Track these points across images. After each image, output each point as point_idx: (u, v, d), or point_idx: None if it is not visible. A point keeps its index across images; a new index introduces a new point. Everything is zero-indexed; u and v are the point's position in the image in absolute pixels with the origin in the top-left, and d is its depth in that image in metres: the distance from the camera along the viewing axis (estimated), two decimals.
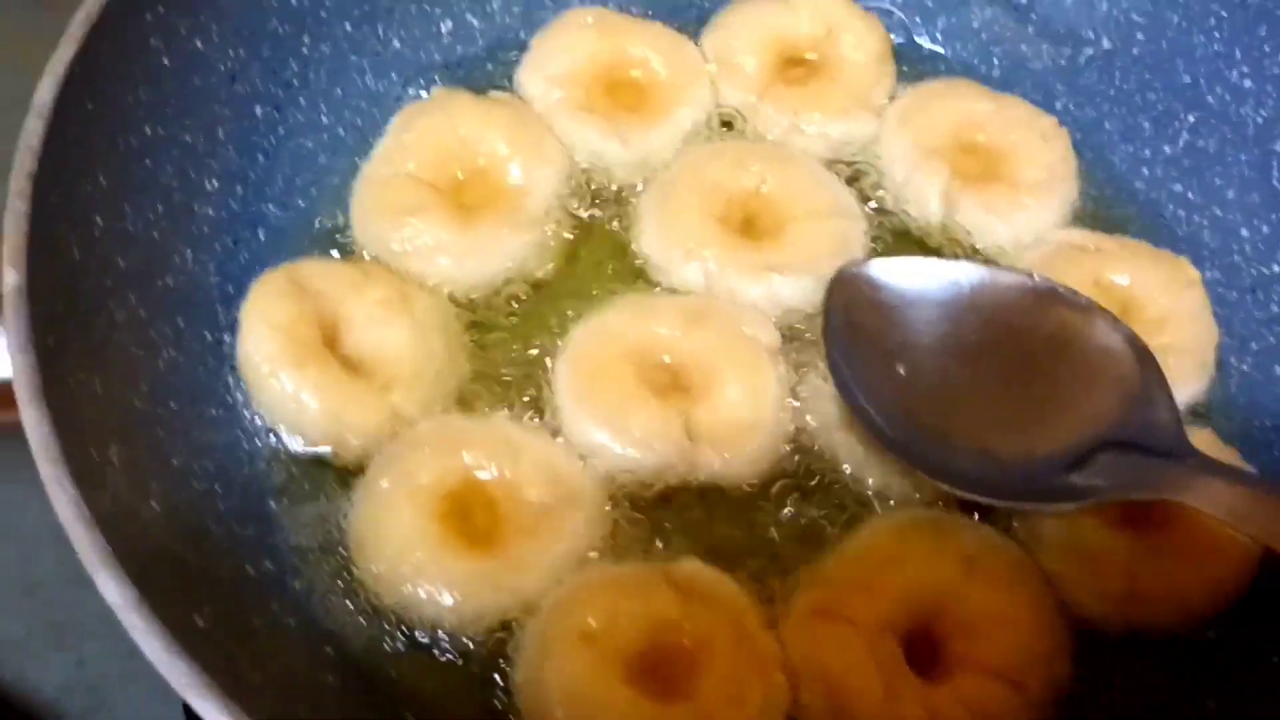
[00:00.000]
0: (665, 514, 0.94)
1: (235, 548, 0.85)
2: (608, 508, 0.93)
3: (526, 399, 0.98)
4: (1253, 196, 1.08)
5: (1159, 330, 1.01)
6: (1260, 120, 1.07)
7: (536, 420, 0.97)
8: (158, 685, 0.64)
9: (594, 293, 1.04)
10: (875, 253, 1.08)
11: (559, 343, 1.00)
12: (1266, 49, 1.07)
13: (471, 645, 0.87)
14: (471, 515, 0.90)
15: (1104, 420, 0.89)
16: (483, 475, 0.91)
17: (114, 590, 0.64)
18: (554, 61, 1.14)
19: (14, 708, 0.99)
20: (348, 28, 1.10)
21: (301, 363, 0.92)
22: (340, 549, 0.90)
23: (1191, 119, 1.12)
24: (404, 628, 0.87)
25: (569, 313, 1.03)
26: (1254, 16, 1.07)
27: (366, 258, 1.03)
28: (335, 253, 1.04)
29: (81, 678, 1.01)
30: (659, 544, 0.92)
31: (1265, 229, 1.07)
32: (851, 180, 1.13)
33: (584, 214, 1.09)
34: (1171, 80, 1.14)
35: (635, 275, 1.06)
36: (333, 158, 1.09)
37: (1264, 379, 1.03)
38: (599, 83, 1.14)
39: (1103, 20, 1.18)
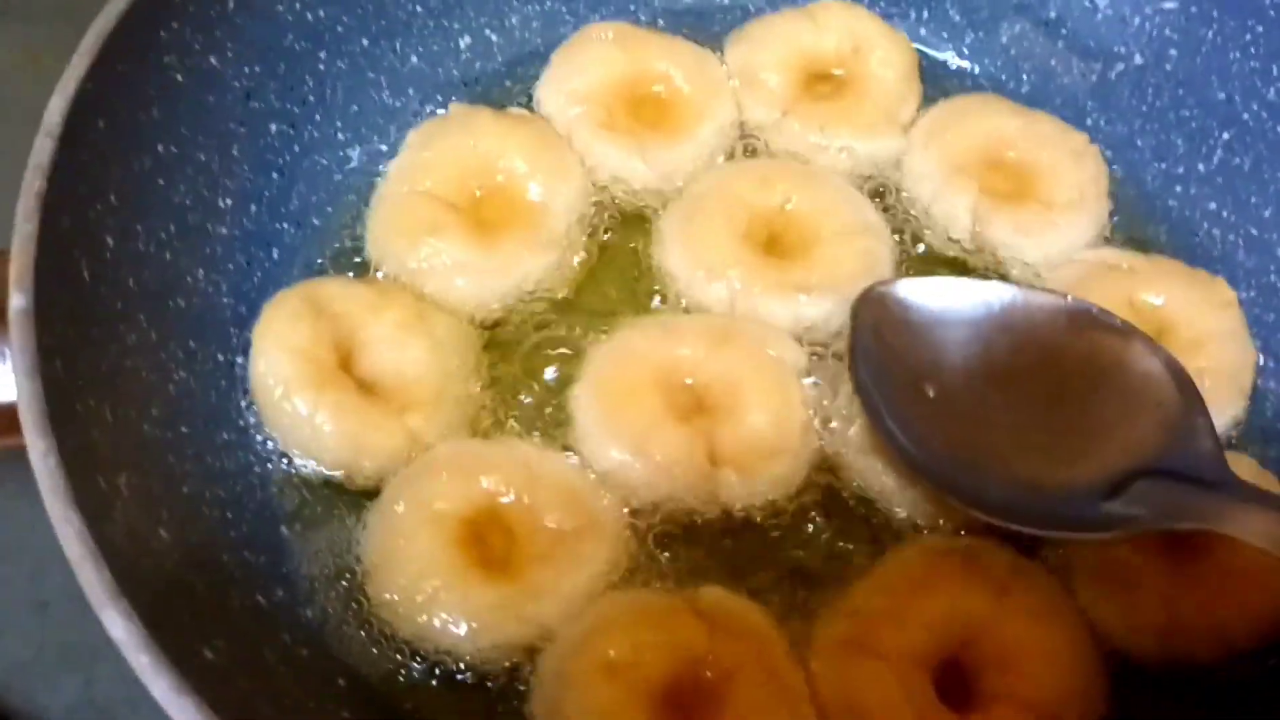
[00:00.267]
0: (688, 540, 0.92)
1: (247, 576, 0.83)
2: (629, 534, 0.91)
3: (546, 422, 0.97)
4: None
5: (1195, 352, 0.99)
6: None
7: (557, 445, 0.95)
8: None
9: (615, 313, 1.02)
10: (903, 272, 1.06)
11: (579, 364, 0.98)
12: None
13: (488, 676, 0.85)
14: (489, 541, 0.88)
15: (1142, 448, 0.87)
16: (500, 500, 0.89)
17: (120, 628, 0.62)
18: (574, 77, 1.12)
19: None
20: (365, 43, 1.08)
21: (316, 385, 0.90)
22: (354, 576, 0.88)
23: (1226, 136, 1.10)
24: (419, 658, 0.85)
25: (590, 334, 1.01)
26: None
27: (383, 277, 1.02)
28: (351, 273, 1.03)
29: (90, 699, 0.99)
30: (682, 571, 0.90)
31: None
32: (878, 198, 1.11)
33: (605, 233, 1.07)
34: (1205, 96, 1.11)
35: (658, 295, 1.04)
36: (349, 175, 1.08)
37: None
38: (620, 99, 1.12)
39: (1135, 35, 1.16)
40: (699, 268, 1.02)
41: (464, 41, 1.16)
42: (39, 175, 0.75)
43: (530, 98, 1.15)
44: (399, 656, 0.86)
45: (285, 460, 0.92)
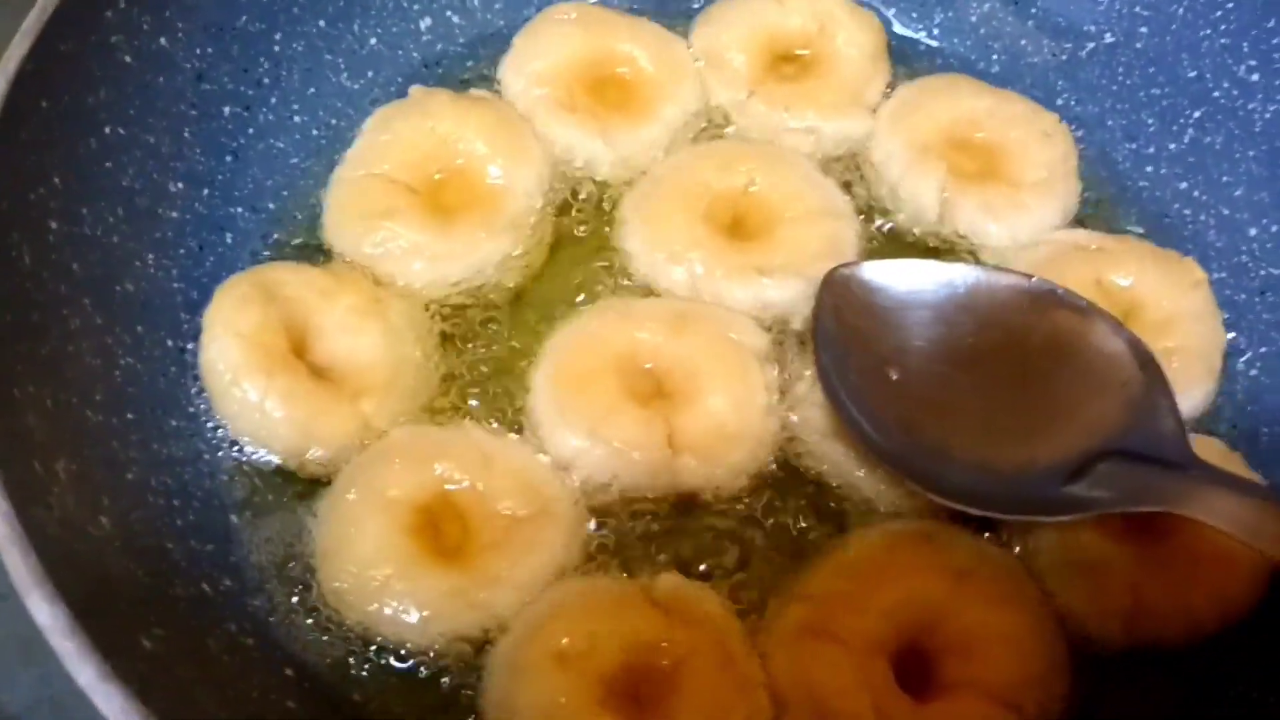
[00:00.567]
0: (645, 526, 0.91)
1: (193, 565, 0.82)
2: (585, 520, 0.90)
3: (502, 408, 0.95)
4: (1261, 194, 1.04)
5: (1164, 332, 0.98)
6: (1268, 115, 1.04)
7: (513, 430, 0.93)
8: None
9: (575, 297, 1.01)
10: (868, 255, 1.04)
11: (537, 349, 0.97)
12: (1275, 42, 1.03)
13: (440, 666, 0.84)
14: (442, 529, 0.87)
15: (1105, 429, 0.86)
16: (454, 487, 0.88)
17: (45, 613, 0.61)
18: (537, 59, 1.11)
19: None
20: (322, 24, 1.07)
21: (267, 371, 0.89)
22: (304, 565, 0.87)
23: (1197, 114, 1.09)
24: (370, 648, 0.84)
25: (549, 318, 1.00)
26: (1262, 9, 1.04)
27: (339, 262, 1.00)
28: (307, 258, 1.01)
29: (47, 694, 0.97)
30: (638, 558, 0.89)
31: (1274, 228, 1.03)
32: (844, 180, 1.10)
33: (566, 215, 1.06)
34: (1176, 75, 1.10)
35: (618, 278, 1.03)
36: (305, 159, 1.06)
37: (1272, 383, 0.99)
38: (583, 81, 1.11)
39: (1105, 13, 1.14)
40: (660, 251, 1.01)
41: (424, 23, 1.15)
42: None
43: (492, 80, 1.13)
44: (349, 646, 0.84)
45: (235, 448, 0.91)
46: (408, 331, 0.96)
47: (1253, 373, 1.01)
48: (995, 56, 1.20)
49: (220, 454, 0.91)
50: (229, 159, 1.00)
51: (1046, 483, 0.85)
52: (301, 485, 0.91)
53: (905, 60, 1.19)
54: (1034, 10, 1.18)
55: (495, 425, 0.94)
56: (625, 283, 1.02)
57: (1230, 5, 1.05)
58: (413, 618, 0.82)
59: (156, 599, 0.76)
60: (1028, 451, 0.87)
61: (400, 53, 1.13)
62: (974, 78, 1.16)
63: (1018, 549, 0.90)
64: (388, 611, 0.83)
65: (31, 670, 0.98)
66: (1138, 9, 1.12)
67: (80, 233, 0.84)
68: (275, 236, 1.02)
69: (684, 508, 0.91)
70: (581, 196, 1.07)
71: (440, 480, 0.88)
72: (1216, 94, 1.07)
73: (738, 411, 0.93)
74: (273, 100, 1.04)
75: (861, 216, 1.07)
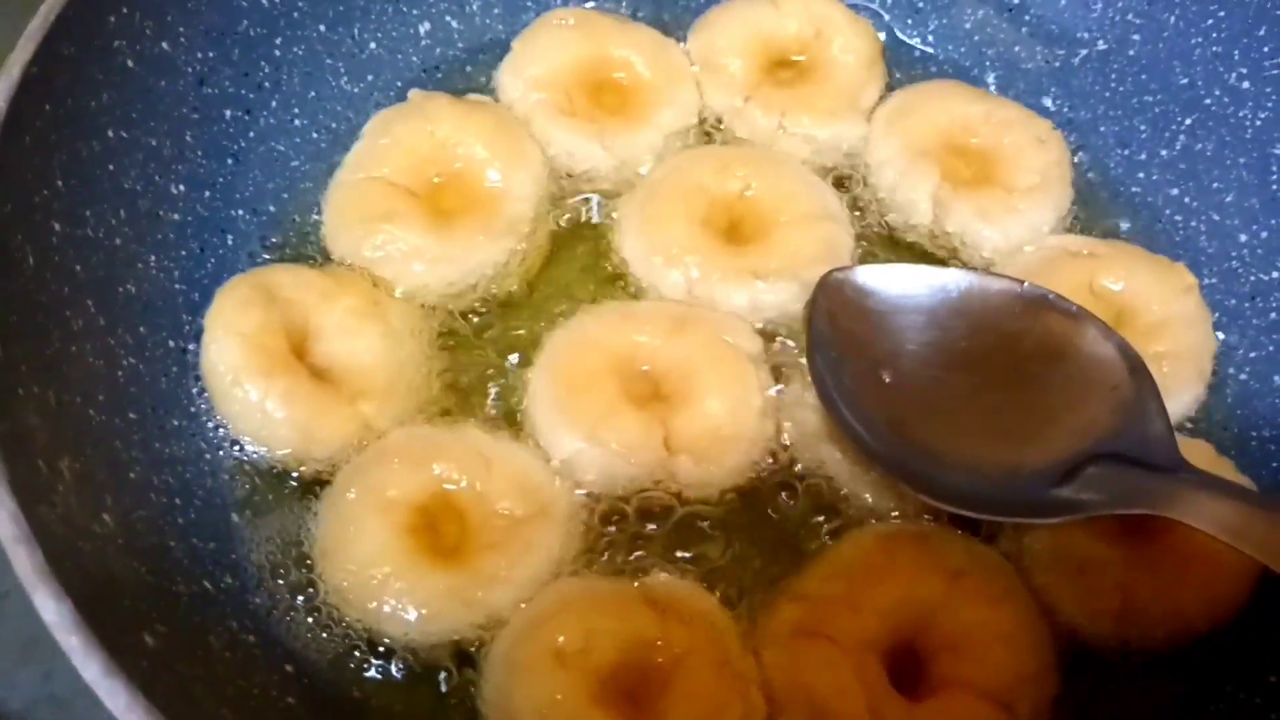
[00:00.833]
0: (642, 527, 0.91)
1: (194, 563, 0.83)
2: (582, 520, 0.90)
3: (501, 409, 0.96)
4: (1251, 201, 1.05)
5: (1155, 337, 0.99)
6: (1259, 122, 1.05)
7: (513, 432, 0.94)
8: None
9: (572, 300, 1.02)
10: (863, 259, 1.05)
11: (535, 351, 0.98)
12: (1265, 50, 1.04)
13: (439, 663, 0.84)
14: (441, 528, 0.88)
15: (1094, 432, 0.87)
16: (453, 487, 0.89)
17: (51, 610, 0.62)
18: (535, 64, 1.12)
19: None
20: (322, 29, 1.08)
21: (267, 372, 0.90)
22: (305, 564, 0.88)
23: (1189, 121, 1.10)
24: (369, 646, 0.85)
25: (547, 320, 1.00)
26: (1253, 17, 1.05)
27: (339, 265, 1.01)
28: (307, 260, 1.02)
29: (49, 692, 0.98)
30: (635, 558, 0.90)
31: (1264, 234, 1.04)
32: (839, 184, 1.11)
33: (563, 219, 1.07)
34: (1168, 82, 1.11)
35: (615, 282, 1.04)
36: (305, 162, 1.07)
37: (1262, 388, 1.01)
38: (581, 85, 1.12)
39: (1098, 21, 1.15)
40: (656, 254, 1.02)
41: (424, 28, 1.15)
42: None
43: (491, 84, 1.14)
44: (348, 644, 0.85)
45: (236, 447, 0.91)
46: (407, 333, 0.96)
47: (1242, 377, 1.02)
48: (989, 63, 1.21)
49: (221, 453, 0.91)
50: (230, 162, 1.01)
51: (1037, 485, 0.86)
52: (302, 485, 0.91)
53: (900, 66, 1.20)
54: (1028, 17, 1.19)
55: (494, 427, 0.94)
56: (622, 286, 1.03)
57: (1221, 14, 1.06)
58: (411, 616, 0.83)
59: (158, 596, 0.76)
60: (1019, 454, 0.88)
61: (400, 57, 1.14)
62: (968, 84, 1.16)
63: (1009, 550, 0.90)
64: (387, 609, 0.83)
65: (32, 668, 0.99)
66: (1130, 17, 1.13)
67: (83, 235, 0.84)
68: (275, 239, 1.03)
69: (680, 508, 0.92)
70: (579, 200, 1.08)
71: (439, 480, 0.89)
72: (1208, 101, 1.08)
73: (733, 414, 0.94)
74: (273, 104, 1.05)
75: (856, 221, 1.08)
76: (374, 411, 0.92)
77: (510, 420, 0.95)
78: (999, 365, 0.92)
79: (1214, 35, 1.07)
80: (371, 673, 0.85)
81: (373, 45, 1.12)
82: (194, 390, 0.92)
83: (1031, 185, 1.08)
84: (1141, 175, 1.12)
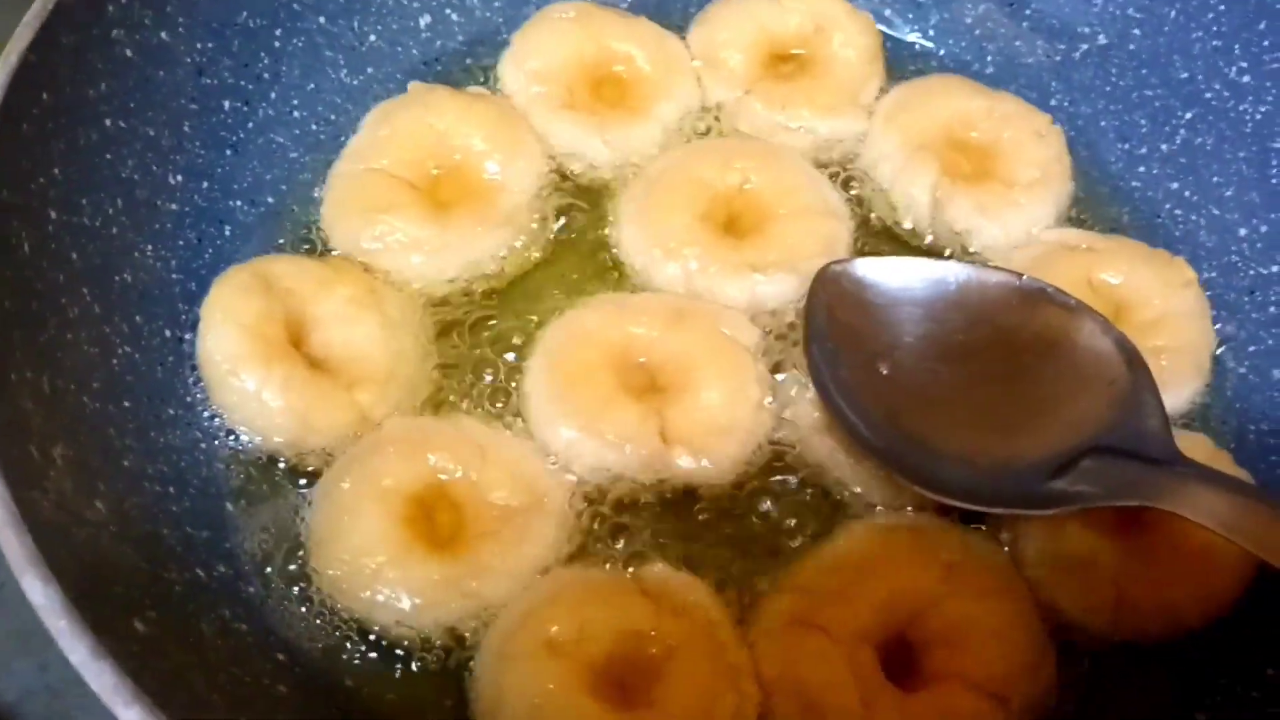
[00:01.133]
0: (637, 518, 0.91)
1: (187, 551, 0.83)
2: (577, 511, 0.90)
3: (497, 400, 0.96)
4: (1251, 195, 1.05)
5: (1154, 332, 0.98)
6: (1259, 116, 1.05)
7: (507, 421, 0.94)
8: None
9: (571, 292, 1.02)
10: (861, 252, 1.05)
11: (533, 342, 0.98)
12: (1265, 44, 1.04)
13: (432, 653, 0.84)
14: (436, 518, 0.88)
15: (1091, 425, 0.87)
16: (447, 477, 0.89)
17: (39, 592, 0.62)
18: (535, 57, 1.12)
19: None
20: (322, 21, 1.08)
21: (265, 361, 0.90)
22: (299, 553, 0.88)
23: (1189, 116, 1.09)
24: (362, 635, 0.85)
25: (543, 312, 1.00)
26: (1253, 11, 1.04)
27: (337, 255, 1.01)
28: (305, 250, 1.02)
29: (43, 683, 0.98)
30: (630, 549, 0.90)
31: (1264, 228, 1.04)
32: (839, 178, 1.11)
33: (563, 212, 1.07)
34: (1168, 76, 1.11)
35: (613, 274, 1.04)
36: (304, 153, 1.07)
37: (1261, 382, 1.00)
38: (581, 79, 1.12)
39: (1098, 15, 1.15)
40: (655, 247, 1.01)
41: (424, 20, 1.15)
42: None
43: (491, 77, 1.14)
44: (341, 633, 0.85)
45: (231, 436, 0.92)
46: (404, 323, 0.96)
47: (1241, 371, 1.02)
48: (990, 58, 1.21)
49: (216, 442, 0.91)
50: (228, 153, 1.01)
51: (1033, 477, 0.86)
52: (296, 474, 0.91)
53: (901, 61, 1.20)
54: (1028, 12, 1.19)
55: (490, 417, 0.95)
56: (620, 278, 1.03)
57: (1222, 8, 1.06)
58: (405, 605, 0.83)
59: (150, 583, 0.76)
60: (1015, 446, 0.88)
61: (400, 49, 1.14)
62: (969, 78, 1.16)
63: (1005, 542, 0.90)
64: (380, 599, 0.83)
65: (27, 660, 0.99)
66: (1130, 11, 1.13)
67: (80, 223, 0.84)
68: (274, 229, 1.03)
69: (675, 500, 0.92)
70: (578, 193, 1.08)
71: (434, 470, 0.89)
72: (1208, 95, 1.08)
73: (730, 406, 0.93)
74: (272, 95, 1.05)
75: (855, 214, 1.08)
76: (370, 401, 0.92)
77: (507, 411, 0.95)
78: (996, 358, 0.92)
79: (1214, 29, 1.07)
80: (364, 662, 0.85)
81: (373, 38, 1.12)
82: (190, 379, 0.92)
83: (1031, 180, 1.08)
84: (1141, 169, 1.12)
